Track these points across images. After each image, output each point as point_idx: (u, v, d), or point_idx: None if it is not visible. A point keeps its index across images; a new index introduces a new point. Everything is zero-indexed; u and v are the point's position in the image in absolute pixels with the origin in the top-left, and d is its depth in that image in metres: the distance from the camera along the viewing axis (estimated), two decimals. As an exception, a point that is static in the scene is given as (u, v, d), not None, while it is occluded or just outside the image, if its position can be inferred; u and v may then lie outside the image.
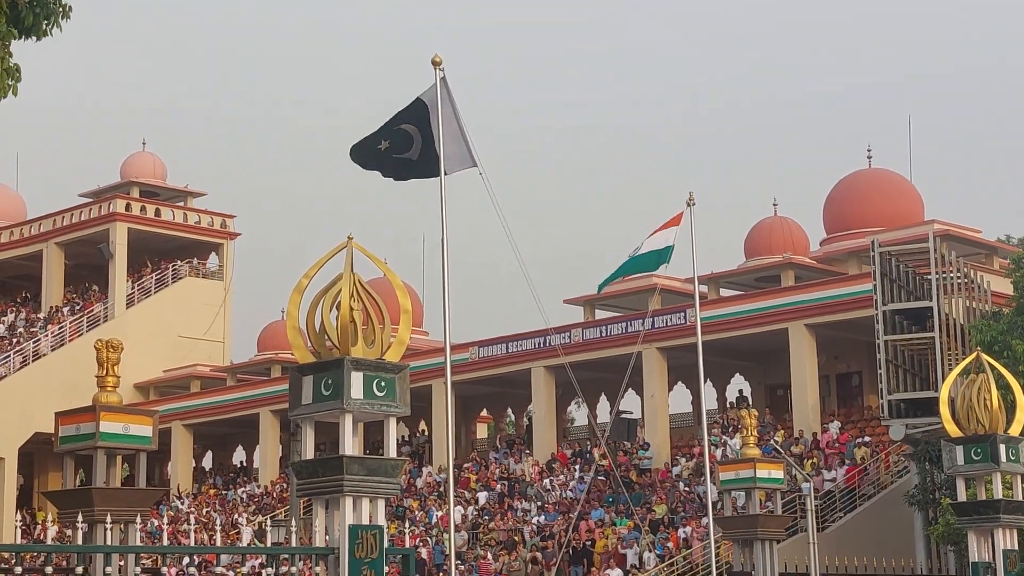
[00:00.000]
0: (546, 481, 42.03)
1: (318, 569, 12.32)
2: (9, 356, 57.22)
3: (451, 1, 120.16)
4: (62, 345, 57.39)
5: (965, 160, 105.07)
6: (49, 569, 11.44)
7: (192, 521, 15.61)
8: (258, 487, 51.63)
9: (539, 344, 44.02)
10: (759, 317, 40.19)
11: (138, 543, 13.18)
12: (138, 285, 60.15)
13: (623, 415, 42.80)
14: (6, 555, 15.18)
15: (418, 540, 38.32)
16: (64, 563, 13.84)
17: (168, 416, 51.56)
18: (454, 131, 18.83)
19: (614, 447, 42.15)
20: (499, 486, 42.94)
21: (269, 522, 22.13)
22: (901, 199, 45.70)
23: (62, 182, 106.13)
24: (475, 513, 41.46)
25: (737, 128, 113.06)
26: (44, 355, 57.20)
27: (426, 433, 50.53)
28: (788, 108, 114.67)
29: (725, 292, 44.93)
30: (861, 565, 30.33)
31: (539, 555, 36.39)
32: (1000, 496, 19.49)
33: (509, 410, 55.19)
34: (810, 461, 37.25)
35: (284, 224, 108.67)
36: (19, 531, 12.46)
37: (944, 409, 19.65)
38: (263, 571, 12.72)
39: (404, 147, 18.88)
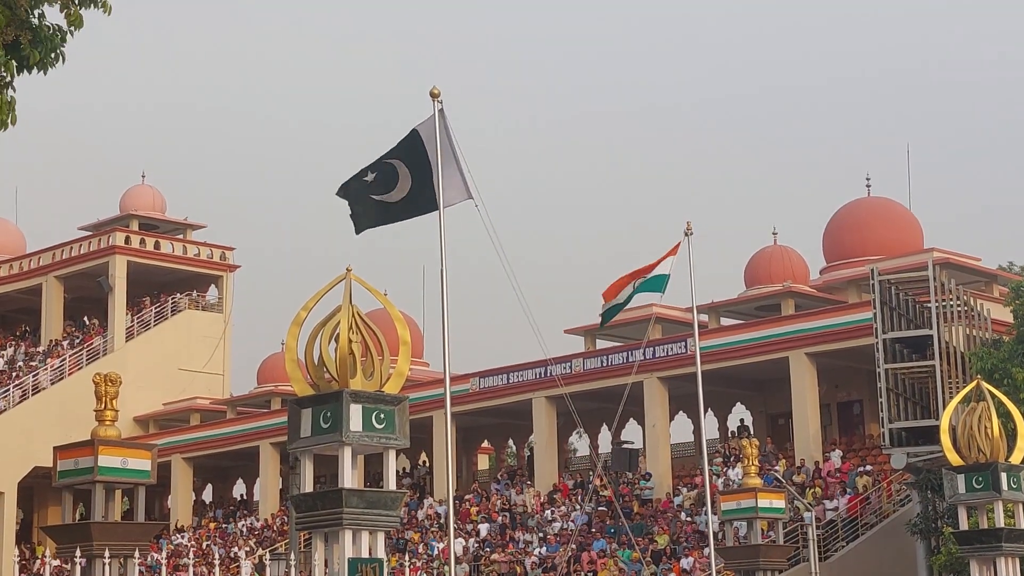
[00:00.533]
0: (547, 512, 41.89)
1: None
2: (9, 390, 57.09)
3: (449, 39, 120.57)
4: (62, 379, 57.24)
5: (964, 188, 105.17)
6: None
7: (191, 556, 15.55)
8: (258, 520, 51.44)
9: (540, 374, 43.96)
10: (759, 346, 40.15)
11: (137, 577, 13.12)
12: (137, 318, 60.07)
13: (624, 445, 42.76)
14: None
15: (419, 573, 38.15)
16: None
17: (168, 449, 51.44)
18: (452, 163, 18.78)
19: (616, 477, 42.04)
20: (500, 517, 42.79)
21: (269, 556, 22.03)
22: (900, 227, 45.69)
23: (61, 215, 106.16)
24: (476, 545, 41.29)
25: (736, 157, 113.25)
26: (44, 389, 57.05)
27: (427, 464, 50.40)
28: (787, 137, 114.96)
29: (725, 321, 44.87)
30: (864, 595, 30.22)
31: (541, 587, 36.25)
32: (1002, 524, 19.43)
33: (510, 441, 55.07)
34: (812, 490, 37.13)
35: (284, 256, 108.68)
36: (18, 566, 12.40)
37: (945, 437, 19.61)
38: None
39: (388, 185, 18.70)
